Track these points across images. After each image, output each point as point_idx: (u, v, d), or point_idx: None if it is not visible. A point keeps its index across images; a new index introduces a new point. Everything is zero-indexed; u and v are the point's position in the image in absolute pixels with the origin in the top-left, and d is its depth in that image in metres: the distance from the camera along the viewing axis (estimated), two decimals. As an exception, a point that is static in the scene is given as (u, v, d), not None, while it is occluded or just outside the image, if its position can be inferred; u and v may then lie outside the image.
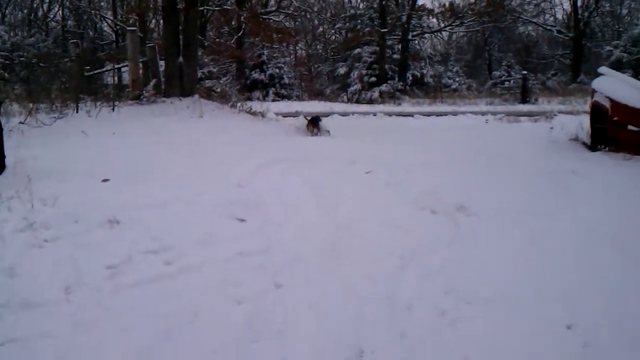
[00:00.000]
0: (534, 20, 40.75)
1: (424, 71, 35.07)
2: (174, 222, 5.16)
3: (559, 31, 39.34)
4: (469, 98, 30.66)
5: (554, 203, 6.17)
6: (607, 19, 44.23)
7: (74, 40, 16.67)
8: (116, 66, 19.14)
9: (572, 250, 4.82)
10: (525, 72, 28.92)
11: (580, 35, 38.15)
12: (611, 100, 8.97)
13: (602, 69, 10.31)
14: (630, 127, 8.64)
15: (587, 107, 10.30)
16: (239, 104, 16.19)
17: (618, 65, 30.97)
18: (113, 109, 12.95)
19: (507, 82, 34.72)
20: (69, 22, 39.19)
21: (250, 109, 16.21)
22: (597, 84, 9.74)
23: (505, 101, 27.99)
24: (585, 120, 11.04)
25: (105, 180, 6.49)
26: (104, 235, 4.76)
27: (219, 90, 16.94)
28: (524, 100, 27.48)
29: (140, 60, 17.97)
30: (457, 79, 37.49)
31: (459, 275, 4.30)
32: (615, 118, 8.84)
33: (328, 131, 12.31)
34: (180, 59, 15.23)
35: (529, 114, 18.51)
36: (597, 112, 9.63)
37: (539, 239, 5.09)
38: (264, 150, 9.29)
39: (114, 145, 8.75)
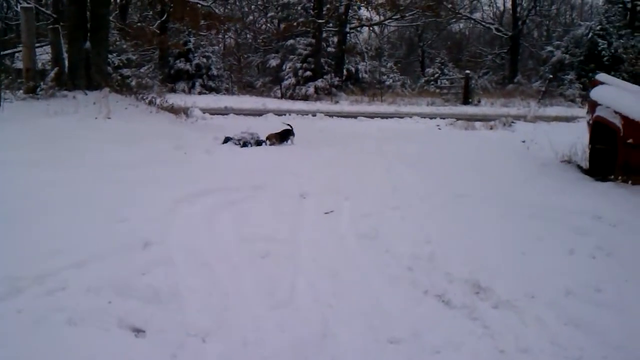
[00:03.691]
0: (474, 17, 39.71)
1: (359, 66, 33.32)
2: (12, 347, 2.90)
3: (497, 29, 38.31)
4: (408, 97, 29.04)
5: (607, 280, 4.22)
6: (539, 19, 43.65)
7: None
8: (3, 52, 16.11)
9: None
10: (468, 71, 27.51)
11: (518, 34, 37.25)
12: (623, 116, 7.15)
13: (602, 76, 8.56)
14: (650, 153, 6.88)
15: (588, 121, 8.49)
16: (158, 100, 13.71)
17: (559, 67, 30.18)
18: (-1, 106, 10.35)
19: (440, 81, 33.45)
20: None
21: (172, 106, 13.79)
22: (599, 95, 7.95)
23: (446, 102, 26.52)
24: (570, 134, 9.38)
25: None
26: None
27: (133, 82, 14.27)
28: (465, 101, 26.10)
29: (42, 44, 15.25)
30: (392, 75, 35.85)
31: None
32: (630, 140, 7.03)
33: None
34: (87, 44, 12.65)
35: (482, 119, 16.84)
36: (599, 130, 7.84)
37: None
38: (186, 172, 7.03)
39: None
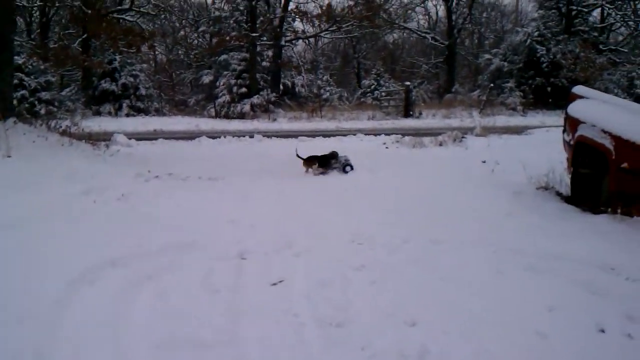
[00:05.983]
0: (410, 27, 39.24)
1: (296, 80, 32.19)
2: None
3: (433, 38, 37.87)
4: (348, 111, 28.00)
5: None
6: (471, 27, 43.61)
7: None
8: None
9: None
10: (408, 83, 26.71)
11: (454, 43, 36.91)
12: (615, 137, 6.12)
13: (580, 89, 7.57)
14: (653, 179, 5.85)
15: (568, 142, 7.43)
16: (73, 128, 12.09)
17: (498, 75, 29.78)
18: None
19: (378, 92, 32.61)
20: None
21: (90, 135, 12.19)
22: (582, 111, 6.92)
23: (387, 115, 25.59)
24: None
25: None
26: None
27: (42, 111, 12.58)
28: (407, 114, 25.24)
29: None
30: (328, 89, 34.84)
31: None
32: (624, 164, 6.00)
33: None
34: (-13, 68, 10.94)
35: (428, 133, 15.79)
36: (582, 152, 6.80)
37: None
38: (91, 230, 5.57)
39: None
